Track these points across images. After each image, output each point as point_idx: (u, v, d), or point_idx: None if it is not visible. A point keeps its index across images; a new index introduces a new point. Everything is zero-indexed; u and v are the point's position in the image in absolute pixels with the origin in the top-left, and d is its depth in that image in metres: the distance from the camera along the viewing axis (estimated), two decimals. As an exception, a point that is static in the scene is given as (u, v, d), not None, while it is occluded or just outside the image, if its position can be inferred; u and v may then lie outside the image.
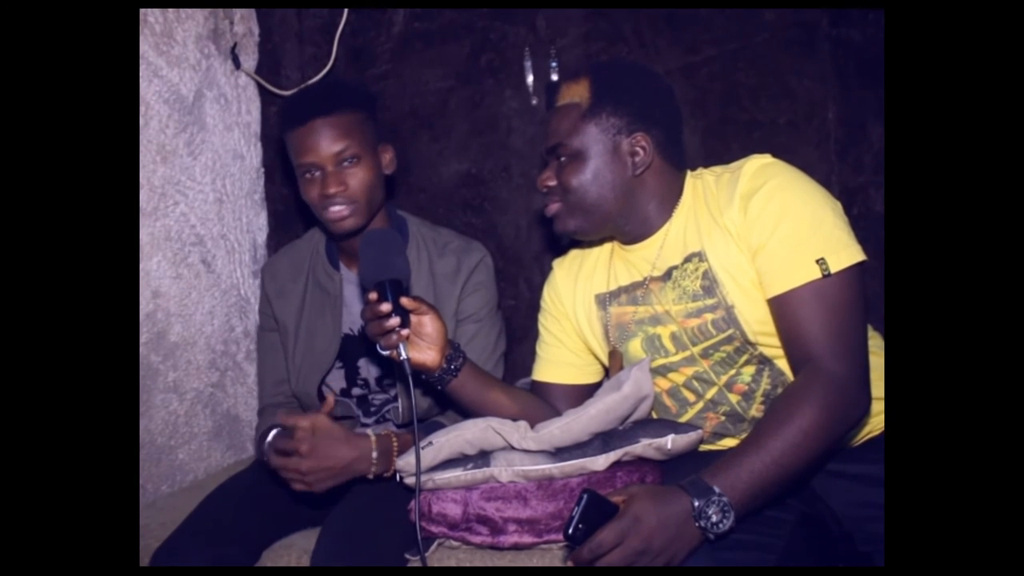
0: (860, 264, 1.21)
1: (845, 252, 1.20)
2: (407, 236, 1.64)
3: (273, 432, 1.48)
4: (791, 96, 1.80)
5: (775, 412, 1.15)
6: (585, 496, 1.04)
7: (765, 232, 1.22)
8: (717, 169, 1.37)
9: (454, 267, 1.60)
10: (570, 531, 1.04)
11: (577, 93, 1.35)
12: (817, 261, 1.19)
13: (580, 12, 1.89)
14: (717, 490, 1.07)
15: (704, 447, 1.38)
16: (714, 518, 1.06)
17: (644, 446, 1.27)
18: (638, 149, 1.32)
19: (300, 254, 1.70)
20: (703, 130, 1.85)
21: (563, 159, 1.34)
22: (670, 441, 1.27)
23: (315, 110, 1.51)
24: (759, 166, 1.28)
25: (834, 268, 1.18)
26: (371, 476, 1.39)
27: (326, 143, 1.49)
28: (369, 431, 1.42)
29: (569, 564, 1.06)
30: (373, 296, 1.30)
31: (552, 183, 1.36)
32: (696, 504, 1.06)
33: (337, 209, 1.50)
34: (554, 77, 1.88)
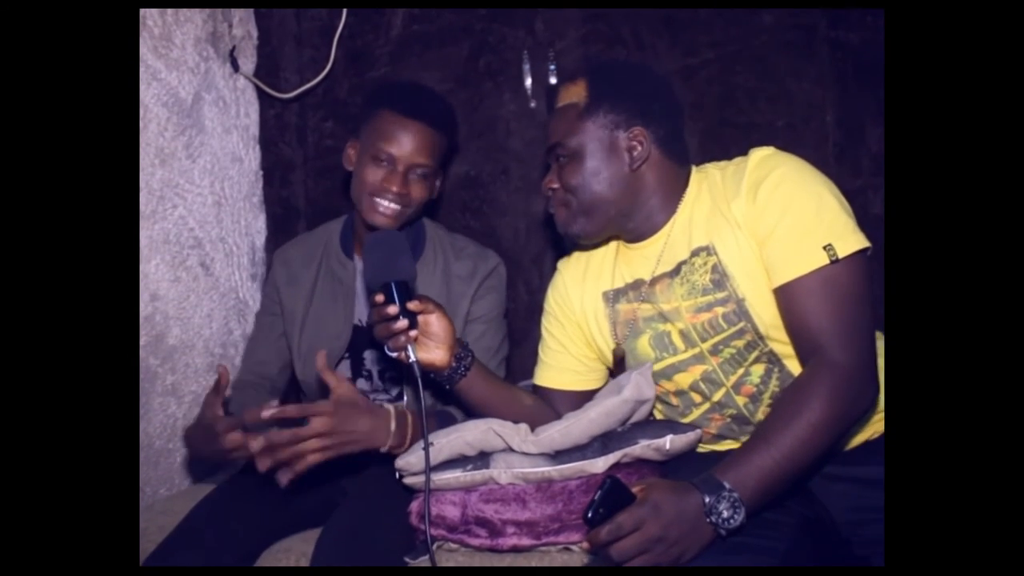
0: (865, 252, 1.21)
1: (852, 238, 1.20)
2: (424, 238, 1.66)
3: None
4: (789, 98, 1.80)
5: (783, 406, 1.15)
6: (608, 481, 1.04)
7: (772, 219, 1.22)
8: (722, 164, 1.37)
9: (470, 270, 1.63)
10: (590, 515, 1.03)
11: (575, 94, 1.36)
12: (824, 247, 1.18)
13: (579, 14, 1.89)
14: (727, 486, 1.07)
15: (705, 447, 1.38)
16: (725, 514, 1.06)
17: (643, 447, 1.27)
18: (635, 143, 1.32)
19: (314, 243, 1.72)
20: (701, 132, 1.85)
21: (562, 159, 1.35)
22: (668, 442, 1.27)
23: (423, 113, 1.56)
24: (764, 156, 1.29)
25: (842, 253, 1.18)
26: (384, 449, 1.36)
27: (415, 148, 1.54)
28: (387, 404, 1.41)
29: (584, 545, 1.06)
30: (380, 298, 1.29)
31: (555, 185, 1.37)
32: (707, 500, 1.06)
33: (388, 205, 1.54)
34: (552, 80, 1.88)
